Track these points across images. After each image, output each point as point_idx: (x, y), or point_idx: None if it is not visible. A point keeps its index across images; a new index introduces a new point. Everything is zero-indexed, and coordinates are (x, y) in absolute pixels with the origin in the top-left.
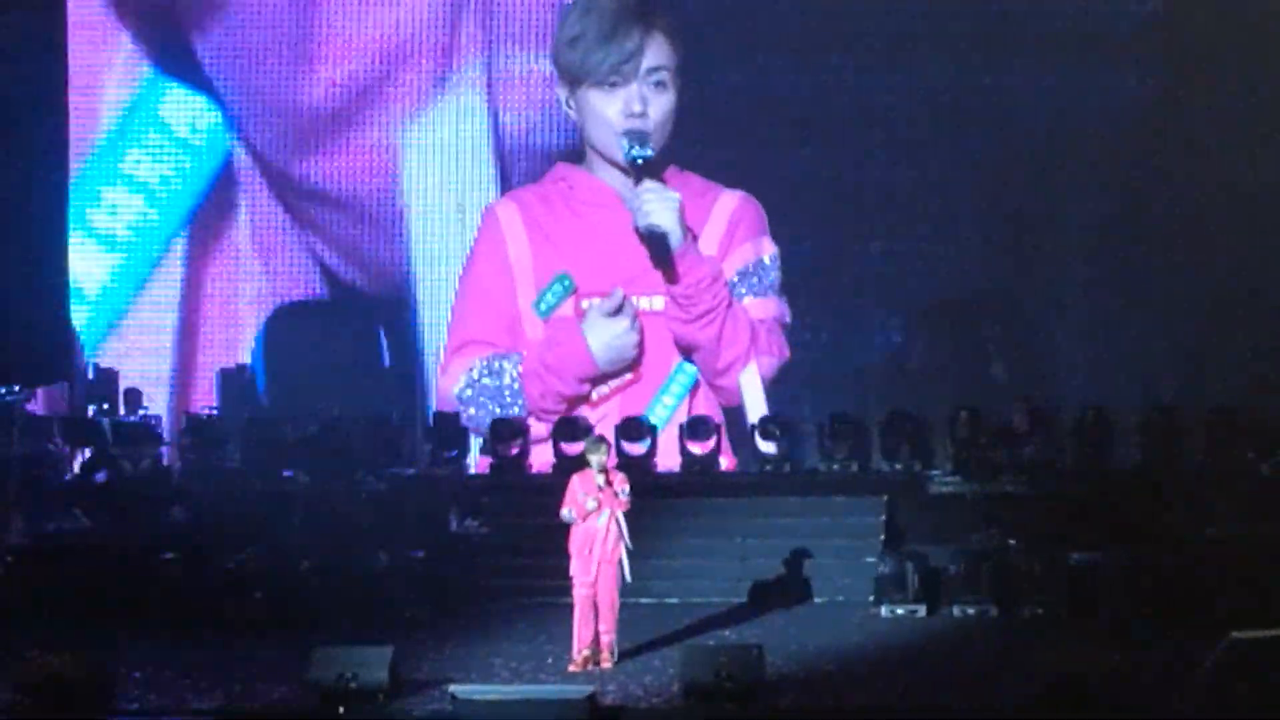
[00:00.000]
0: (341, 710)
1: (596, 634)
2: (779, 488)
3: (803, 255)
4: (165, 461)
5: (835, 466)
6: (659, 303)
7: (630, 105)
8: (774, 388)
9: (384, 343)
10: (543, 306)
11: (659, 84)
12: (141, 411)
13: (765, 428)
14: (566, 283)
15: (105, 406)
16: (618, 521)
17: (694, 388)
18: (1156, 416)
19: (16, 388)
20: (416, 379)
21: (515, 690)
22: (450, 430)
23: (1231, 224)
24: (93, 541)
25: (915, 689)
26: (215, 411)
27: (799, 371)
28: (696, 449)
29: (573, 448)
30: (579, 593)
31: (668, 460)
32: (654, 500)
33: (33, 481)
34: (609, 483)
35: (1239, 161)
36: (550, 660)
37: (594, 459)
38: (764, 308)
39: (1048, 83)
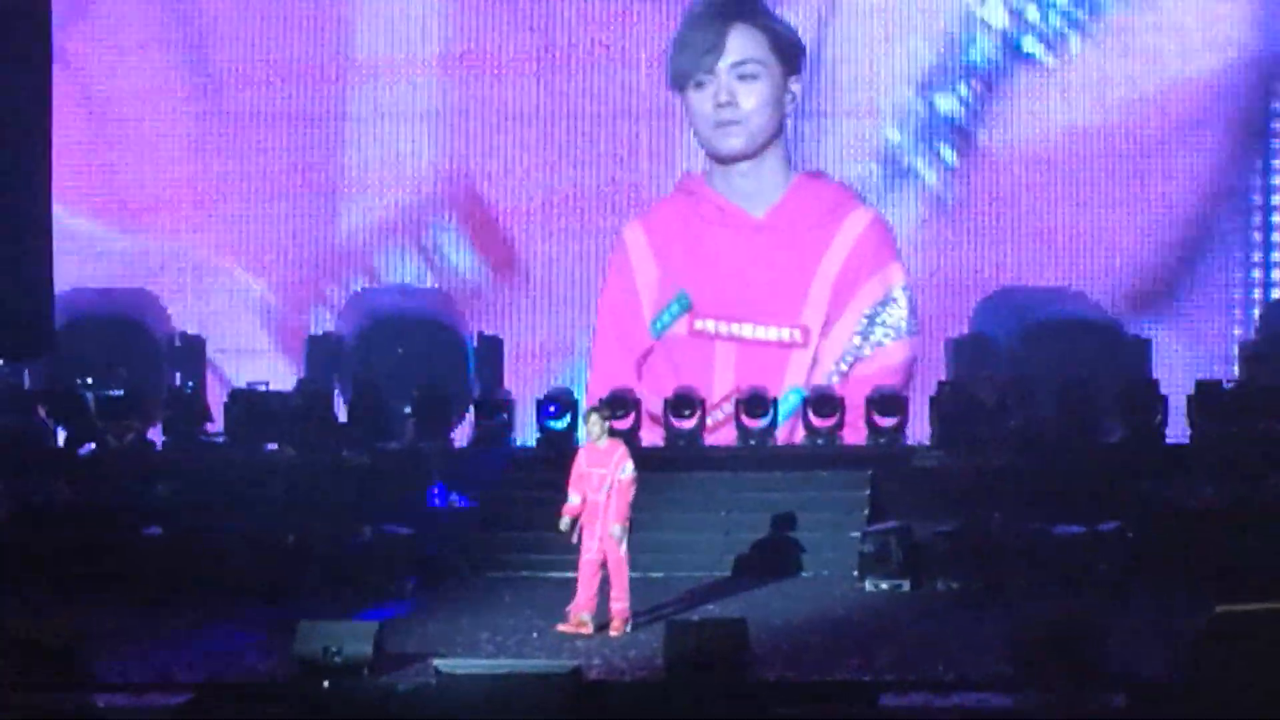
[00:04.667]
0: (325, 684)
1: (604, 602)
2: (763, 462)
3: None
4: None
5: (819, 440)
6: (774, 333)
7: (718, 96)
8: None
9: None
10: (658, 325)
11: (745, 76)
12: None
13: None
14: (685, 301)
15: (90, 380)
16: (616, 495)
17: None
18: (1139, 388)
19: None
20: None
21: (499, 664)
22: (435, 403)
23: None
24: (76, 514)
25: (900, 663)
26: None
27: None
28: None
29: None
30: (583, 558)
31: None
32: (638, 474)
33: (16, 454)
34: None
35: None
36: (535, 635)
37: (588, 429)
38: (891, 354)
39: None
